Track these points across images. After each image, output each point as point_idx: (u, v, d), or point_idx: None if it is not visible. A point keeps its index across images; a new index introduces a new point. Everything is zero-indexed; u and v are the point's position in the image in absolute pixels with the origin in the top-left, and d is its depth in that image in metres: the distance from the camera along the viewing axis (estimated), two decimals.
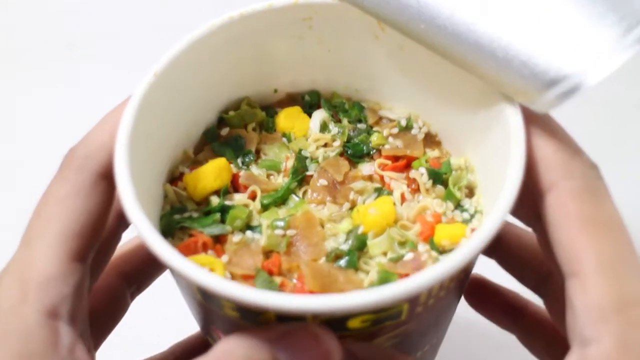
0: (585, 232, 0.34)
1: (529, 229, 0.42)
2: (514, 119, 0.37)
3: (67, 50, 0.85)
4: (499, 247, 0.49)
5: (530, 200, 0.38)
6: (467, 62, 0.37)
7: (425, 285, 0.33)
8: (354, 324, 0.35)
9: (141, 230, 0.35)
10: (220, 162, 0.44)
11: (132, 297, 0.49)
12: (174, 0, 0.88)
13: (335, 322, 0.35)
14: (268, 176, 0.45)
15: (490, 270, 0.51)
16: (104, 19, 0.89)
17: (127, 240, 0.48)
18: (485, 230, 0.34)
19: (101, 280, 0.46)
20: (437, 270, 0.33)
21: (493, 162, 0.39)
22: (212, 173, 0.43)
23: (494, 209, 0.35)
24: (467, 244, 0.34)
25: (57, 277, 0.36)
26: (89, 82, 0.81)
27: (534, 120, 0.38)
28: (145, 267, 0.49)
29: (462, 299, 0.49)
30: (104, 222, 0.40)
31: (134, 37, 0.85)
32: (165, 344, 0.53)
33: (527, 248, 0.48)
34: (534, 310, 0.51)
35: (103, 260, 0.44)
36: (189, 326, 0.50)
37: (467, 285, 0.52)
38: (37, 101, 0.80)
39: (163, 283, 0.50)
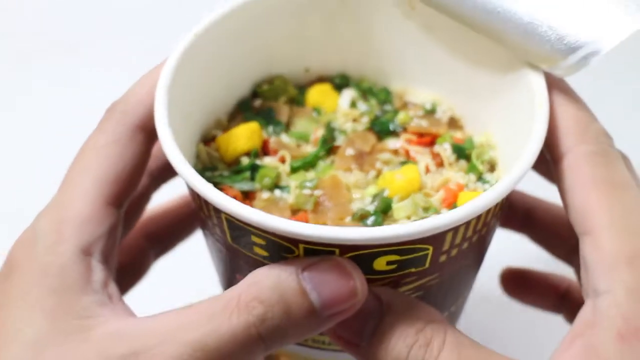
0: (598, 191, 0.36)
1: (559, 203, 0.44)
2: (537, 82, 0.39)
3: (67, 51, 0.87)
4: (530, 222, 0.50)
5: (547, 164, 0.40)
6: (493, 29, 0.39)
7: (452, 221, 0.34)
8: (379, 265, 0.36)
9: (174, 160, 0.36)
10: (253, 125, 0.45)
11: (155, 258, 0.50)
12: (177, 1, 0.89)
13: (362, 262, 0.36)
14: (297, 145, 0.46)
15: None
16: (105, 19, 0.91)
17: (156, 204, 0.49)
18: (513, 174, 0.36)
19: (127, 239, 0.47)
20: (462, 210, 0.34)
21: (516, 137, 0.41)
22: (243, 135, 0.44)
23: (521, 156, 0.37)
24: (499, 183, 0.36)
25: (92, 219, 0.38)
26: (90, 83, 0.82)
27: (554, 87, 0.40)
28: (171, 231, 0.50)
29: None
30: (140, 173, 0.41)
31: (136, 38, 0.85)
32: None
33: (557, 220, 0.49)
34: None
35: (133, 218, 0.46)
36: (210, 288, 0.50)
37: (506, 275, 0.54)
38: (37, 101, 0.82)
39: (185, 246, 0.52)
